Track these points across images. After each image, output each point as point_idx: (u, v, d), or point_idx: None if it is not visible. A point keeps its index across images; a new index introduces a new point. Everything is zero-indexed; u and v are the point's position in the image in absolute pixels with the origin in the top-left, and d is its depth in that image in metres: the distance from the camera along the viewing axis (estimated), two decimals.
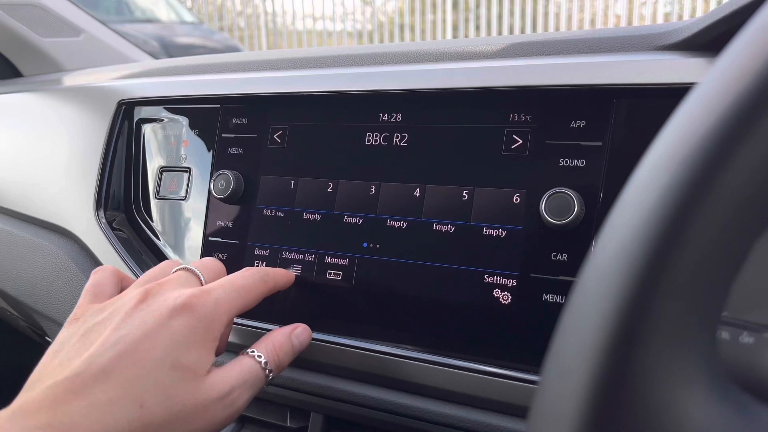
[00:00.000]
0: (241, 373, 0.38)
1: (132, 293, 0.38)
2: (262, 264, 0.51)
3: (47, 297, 0.63)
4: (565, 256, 0.41)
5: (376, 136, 0.48)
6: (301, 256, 0.49)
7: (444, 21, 6.80)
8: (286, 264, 0.50)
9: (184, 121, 0.59)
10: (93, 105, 0.64)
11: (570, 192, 0.40)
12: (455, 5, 6.78)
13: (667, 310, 0.18)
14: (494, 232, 0.43)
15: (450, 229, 0.44)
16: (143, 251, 0.58)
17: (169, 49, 4.03)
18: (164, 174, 0.59)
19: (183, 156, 0.58)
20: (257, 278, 0.41)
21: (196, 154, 0.57)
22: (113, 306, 0.38)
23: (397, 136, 0.48)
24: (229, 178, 0.52)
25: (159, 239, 0.58)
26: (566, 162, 0.42)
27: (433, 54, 0.53)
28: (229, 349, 0.50)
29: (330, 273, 0.48)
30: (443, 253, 0.44)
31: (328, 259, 0.48)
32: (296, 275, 0.49)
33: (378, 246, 0.47)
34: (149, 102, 0.61)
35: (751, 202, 0.18)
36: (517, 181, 0.43)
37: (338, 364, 0.47)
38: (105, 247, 0.58)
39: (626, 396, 0.18)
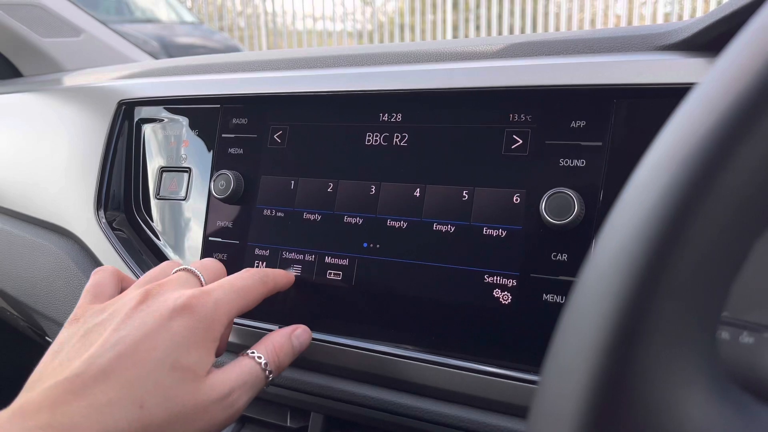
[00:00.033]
0: (241, 374, 0.38)
1: (132, 294, 0.38)
2: (263, 264, 0.51)
3: (47, 297, 0.63)
4: (565, 256, 0.41)
5: (376, 136, 0.48)
6: (301, 257, 0.49)
7: (444, 21, 6.80)
8: (286, 264, 0.50)
9: (184, 121, 0.59)
10: (93, 105, 0.64)
11: (570, 192, 0.40)
12: (455, 5, 6.78)
13: (667, 310, 0.18)
14: (494, 232, 0.43)
15: (450, 229, 0.44)
16: (143, 251, 0.58)
17: (169, 49, 4.03)
18: (164, 174, 0.59)
19: (183, 156, 0.58)
20: (257, 279, 0.41)
21: (196, 154, 0.57)
22: (113, 307, 0.38)
23: (397, 136, 0.48)
24: (229, 178, 0.52)
25: (159, 239, 0.58)
26: (566, 162, 0.42)
27: (433, 54, 0.53)
28: (229, 350, 0.50)
29: (330, 273, 0.48)
30: (443, 253, 0.44)
31: (328, 259, 0.48)
32: (296, 275, 0.49)
33: (378, 246, 0.47)
34: (149, 102, 0.61)
35: (751, 202, 0.18)
36: (517, 181, 0.43)
37: (338, 364, 0.47)
38: (105, 247, 0.58)
39: (626, 396, 0.18)
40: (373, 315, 0.46)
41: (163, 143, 0.60)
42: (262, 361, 0.39)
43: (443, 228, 0.45)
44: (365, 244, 0.47)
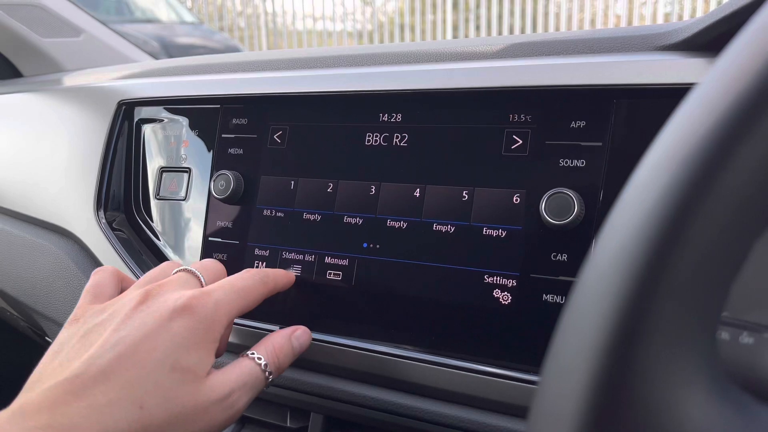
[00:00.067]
0: (241, 375, 0.38)
1: (132, 294, 0.38)
2: (262, 264, 0.51)
3: (47, 297, 0.63)
4: (565, 257, 0.41)
5: (376, 136, 0.48)
6: (301, 257, 0.49)
7: (444, 21, 6.81)
8: (286, 264, 0.50)
9: (184, 121, 0.59)
10: (93, 105, 0.64)
11: (570, 192, 0.40)
12: (455, 5, 6.78)
13: (667, 310, 0.18)
14: (494, 233, 0.43)
15: (450, 229, 0.44)
16: (143, 252, 0.58)
17: (169, 49, 4.03)
18: (164, 174, 0.59)
19: (183, 156, 0.58)
20: (257, 280, 0.41)
21: (196, 154, 0.57)
22: (113, 307, 0.38)
23: (397, 137, 0.48)
24: (229, 178, 0.52)
25: (159, 240, 0.58)
26: (566, 162, 0.42)
27: (433, 54, 0.53)
28: (229, 350, 0.50)
29: (330, 273, 0.48)
30: (443, 254, 0.44)
31: (328, 260, 0.48)
32: (296, 276, 0.49)
33: (378, 246, 0.47)
34: (149, 102, 0.61)
35: (751, 202, 0.18)
36: (517, 182, 0.43)
37: (338, 365, 0.47)
38: (105, 247, 0.58)
39: (626, 396, 0.18)
40: (373, 315, 0.46)
41: (163, 143, 0.60)
42: (262, 362, 0.39)
43: (443, 228, 0.45)
44: (365, 245, 0.47)
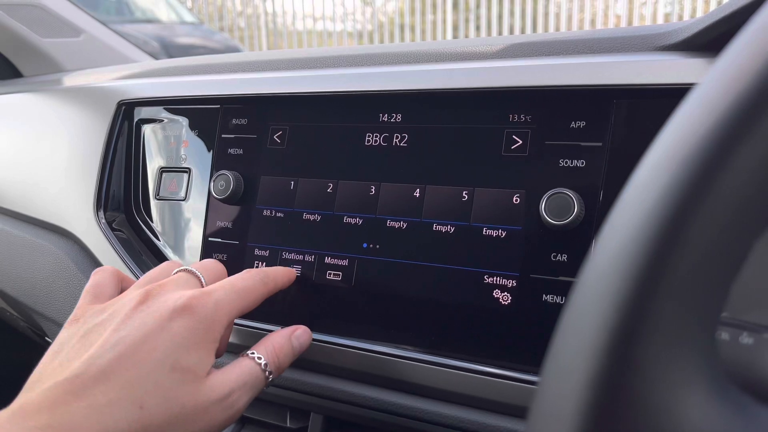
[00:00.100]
0: (241, 374, 0.38)
1: (132, 294, 0.38)
2: (262, 265, 0.51)
3: (47, 297, 0.63)
4: (565, 257, 0.41)
5: (376, 136, 0.48)
6: (300, 257, 0.49)
7: (444, 21, 6.81)
8: (285, 264, 0.50)
9: (184, 121, 0.59)
10: (93, 105, 0.64)
11: (570, 192, 0.40)
12: (455, 5, 6.78)
13: (667, 310, 0.18)
14: (494, 233, 0.43)
15: (450, 229, 0.44)
16: (143, 252, 0.58)
17: (170, 49, 4.03)
18: (164, 174, 0.59)
19: (183, 156, 0.58)
20: (257, 280, 0.41)
21: (196, 154, 0.57)
22: (113, 307, 0.38)
23: (397, 137, 0.48)
24: (228, 178, 0.52)
25: (159, 240, 0.58)
26: (566, 162, 0.42)
27: (433, 54, 0.53)
28: (229, 350, 0.50)
29: (330, 273, 0.48)
30: (443, 254, 0.44)
31: (327, 260, 0.48)
32: (297, 273, 0.49)
33: (378, 246, 0.47)
34: (149, 102, 0.61)
35: (751, 203, 0.18)
36: (517, 182, 0.43)
37: (338, 365, 0.47)
38: (105, 247, 0.58)
39: (626, 396, 0.18)
40: (373, 315, 0.46)
41: (163, 143, 0.60)
42: (262, 361, 0.39)
43: (443, 228, 0.45)
44: (365, 245, 0.47)
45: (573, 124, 0.42)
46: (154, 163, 0.60)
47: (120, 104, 0.61)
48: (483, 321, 0.43)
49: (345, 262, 0.48)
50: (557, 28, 6.30)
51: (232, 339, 0.51)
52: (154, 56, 0.98)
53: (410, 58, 0.53)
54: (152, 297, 0.37)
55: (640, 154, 0.21)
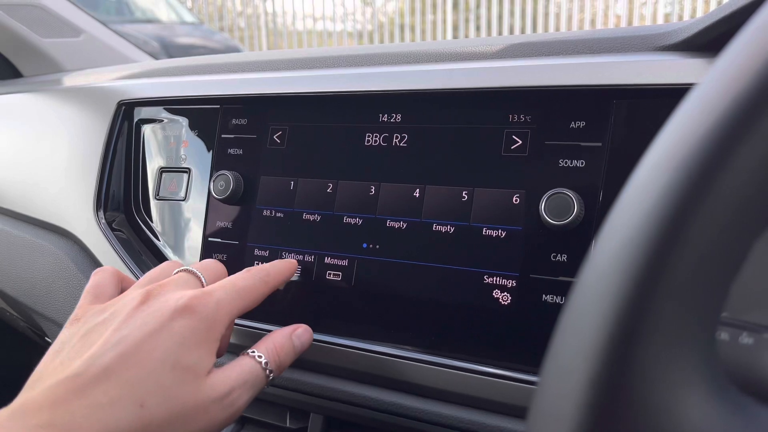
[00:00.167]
0: (242, 373, 0.38)
1: (133, 294, 0.38)
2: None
3: (47, 298, 0.63)
4: (564, 257, 0.41)
5: (376, 136, 0.48)
6: (300, 257, 0.49)
7: (444, 21, 6.81)
8: None
9: (183, 121, 0.59)
10: (93, 105, 0.64)
11: (570, 192, 0.40)
12: (455, 5, 6.79)
13: (667, 310, 0.18)
14: (494, 233, 0.43)
15: (450, 229, 0.44)
16: (143, 252, 0.58)
17: (170, 49, 4.03)
18: (164, 174, 0.59)
19: (183, 156, 0.58)
20: (258, 279, 0.41)
21: (195, 154, 0.57)
22: (114, 307, 0.38)
23: (397, 137, 0.48)
24: (228, 178, 0.52)
25: (159, 240, 0.58)
26: (566, 162, 0.42)
27: (433, 54, 0.53)
28: (229, 351, 0.50)
29: (330, 274, 0.48)
30: (443, 254, 0.44)
31: (327, 260, 0.48)
32: (296, 275, 0.49)
33: (378, 246, 0.47)
34: (149, 102, 0.61)
35: (751, 203, 0.18)
36: (516, 182, 0.43)
37: (338, 365, 0.47)
38: (105, 247, 0.58)
39: (625, 396, 0.18)
40: (373, 315, 0.46)
41: (163, 144, 0.60)
42: (263, 360, 0.39)
43: (443, 228, 0.45)
44: (365, 245, 0.47)
45: (573, 124, 0.42)
46: (153, 163, 0.60)
47: (120, 104, 0.61)
48: (483, 321, 0.43)
49: (345, 263, 0.48)
50: (557, 28, 6.30)
51: (232, 339, 0.51)
52: (154, 56, 0.98)
53: (410, 58, 0.53)
54: (153, 297, 0.38)
55: (640, 154, 0.21)
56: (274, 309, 0.49)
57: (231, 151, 0.54)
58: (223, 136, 0.55)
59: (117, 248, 0.57)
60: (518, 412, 0.41)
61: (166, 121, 0.60)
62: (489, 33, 6.54)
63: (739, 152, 0.18)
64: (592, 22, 6.31)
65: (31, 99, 0.73)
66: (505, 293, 0.42)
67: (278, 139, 0.52)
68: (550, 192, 0.40)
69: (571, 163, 0.41)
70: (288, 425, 0.54)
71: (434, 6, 6.83)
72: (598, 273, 0.20)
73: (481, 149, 0.45)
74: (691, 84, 0.38)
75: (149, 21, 4.61)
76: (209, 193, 0.55)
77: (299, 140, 0.52)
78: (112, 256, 0.58)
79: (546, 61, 0.45)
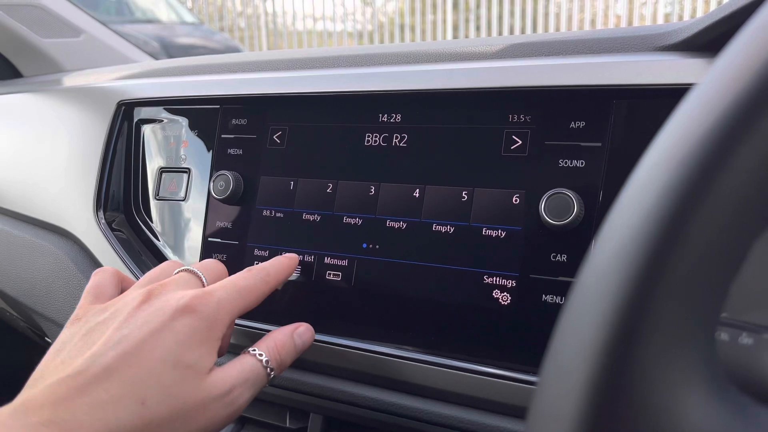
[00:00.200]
0: (243, 371, 0.38)
1: (134, 294, 0.39)
2: None
3: (46, 298, 0.63)
4: (564, 257, 0.41)
5: (376, 136, 0.48)
6: (300, 257, 0.49)
7: (444, 21, 6.81)
8: None
9: (183, 121, 0.59)
10: (93, 105, 0.64)
11: (569, 193, 0.40)
12: (455, 5, 6.79)
13: (666, 310, 0.18)
14: (494, 233, 0.43)
15: (449, 229, 0.44)
16: (143, 252, 0.58)
17: (170, 49, 4.03)
18: (164, 174, 0.59)
19: (182, 157, 0.58)
20: (259, 279, 0.41)
21: (195, 154, 0.57)
22: (115, 306, 0.38)
23: (397, 137, 0.48)
24: (228, 178, 0.52)
25: (158, 240, 0.58)
26: (566, 162, 0.42)
27: (433, 54, 0.53)
28: (230, 351, 0.50)
29: (329, 274, 0.48)
30: (443, 254, 0.44)
31: (327, 260, 0.48)
32: (296, 275, 0.49)
33: (377, 247, 0.47)
34: (149, 103, 0.61)
35: (750, 203, 0.18)
36: (516, 182, 0.43)
37: (337, 365, 0.47)
38: (104, 247, 0.58)
39: (625, 396, 0.18)
40: (373, 316, 0.46)
41: (163, 144, 0.60)
42: (263, 358, 0.39)
43: (443, 229, 0.45)
44: (364, 245, 0.47)
45: (573, 125, 0.42)
46: (153, 164, 0.60)
47: (120, 104, 0.61)
48: (482, 321, 0.43)
49: (345, 263, 0.48)
50: (557, 28, 6.30)
51: (232, 339, 0.51)
52: (154, 56, 0.98)
53: (410, 58, 0.53)
54: (154, 296, 0.38)
55: (640, 154, 0.21)
56: (273, 309, 0.49)
57: (231, 151, 0.54)
58: (222, 136, 0.55)
59: (117, 248, 0.57)
60: (518, 412, 0.41)
61: (165, 121, 0.60)
62: (489, 33, 6.54)
63: (739, 152, 0.18)
64: (592, 22, 6.31)
65: (31, 99, 0.73)
66: (505, 293, 0.42)
67: (278, 139, 0.52)
68: (550, 192, 0.40)
69: (571, 163, 0.41)
70: (288, 425, 0.54)
71: (434, 6, 6.83)
72: (598, 273, 0.20)
73: (480, 149, 0.45)
74: (690, 84, 0.38)
75: (149, 21, 4.61)
76: (209, 193, 0.55)
77: (299, 140, 0.51)
78: (111, 256, 0.58)
79: (546, 61, 0.45)
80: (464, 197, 0.44)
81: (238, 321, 0.50)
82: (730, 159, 0.18)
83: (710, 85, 0.19)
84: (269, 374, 0.39)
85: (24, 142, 0.70)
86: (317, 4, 7.26)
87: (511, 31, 6.36)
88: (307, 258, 0.49)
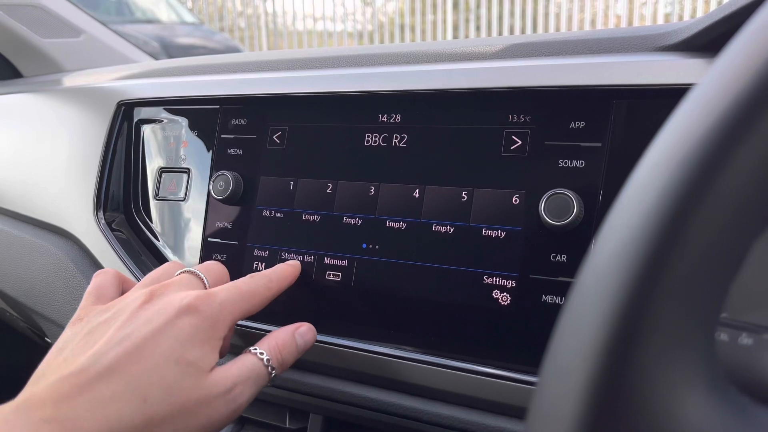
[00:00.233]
0: (244, 369, 0.38)
1: (136, 294, 0.39)
2: (262, 265, 0.51)
3: (46, 298, 0.63)
4: (564, 257, 0.41)
5: (376, 136, 0.48)
6: (300, 257, 0.49)
7: (444, 21, 6.81)
8: None
9: (183, 121, 0.59)
10: (93, 106, 0.64)
11: (569, 193, 0.40)
12: (455, 6, 6.79)
13: (666, 310, 0.18)
14: (493, 233, 0.43)
15: (449, 230, 0.44)
16: (142, 252, 0.58)
17: (170, 49, 4.03)
18: (164, 175, 0.59)
19: (182, 157, 0.58)
20: (261, 284, 0.42)
21: (195, 154, 0.57)
22: (117, 306, 0.38)
23: (397, 137, 0.48)
24: (228, 179, 0.52)
25: (158, 240, 0.58)
26: (565, 163, 0.42)
27: (433, 55, 0.53)
28: (230, 351, 0.50)
29: (329, 274, 0.48)
30: (442, 254, 0.44)
31: (327, 260, 0.48)
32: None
33: (377, 247, 0.47)
34: (149, 103, 0.61)
35: (750, 203, 0.18)
36: (516, 182, 0.43)
37: (337, 365, 0.47)
38: (104, 248, 0.58)
39: (625, 396, 0.18)
40: (373, 316, 0.46)
41: (163, 144, 0.60)
42: (264, 357, 0.39)
43: (442, 229, 0.45)
44: (364, 245, 0.47)
45: (572, 125, 0.42)
46: (153, 164, 0.60)
47: (120, 104, 0.61)
48: (482, 321, 0.43)
49: (344, 263, 0.48)
50: (557, 28, 6.30)
51: (233, 340, 0.51)
52: (154, 56, 0.98)
53: (410, 58, 0.53)
54: (157, 297, 0.38)
55: (640, 154, 0.21)
56: (273, 309, 0.49)
57: (231, 151, 0.54)
58: (222, 136, 0.55)
59: (116, 248, 0.57)
60: (518, 412, 0.41)
61: (165, 121, 0.60)
62: (489, 33, 6.54)
63: (739, 152, 0.18)
64: (592, 22, 6.32)
65: (31, 99, 0.73)
66: (505, 293, 0.42)
67: (278, 140, 0.52)
68: (549, 192, 0.40)
69: (571, 164, 0.41)
70: (287, 425, 0.54)
71: (434, 6, 6.84)
72: (598, 273, 0.20)
73: (480, 149, 0.45)
74: (690, 84, 0.38)
75: (149, 21, 4.61)
76: (209, 193, 0.55)
77: (299, 140, 0.51)
78: (111, 256, 0.58)
79: (546, 61, 0.45)
80: (464, 197, 0.44)
81: (238, 322, 0.50)
82: (730, 159, 0.18)
83: (710, 85, 0.19)
84: (270, 373, 0.39)
85: (24, 142, 0.70)
86: (317, 4, 7.26)
87: (511, 31, 6.37)
88: (306, 258, 0.49)
